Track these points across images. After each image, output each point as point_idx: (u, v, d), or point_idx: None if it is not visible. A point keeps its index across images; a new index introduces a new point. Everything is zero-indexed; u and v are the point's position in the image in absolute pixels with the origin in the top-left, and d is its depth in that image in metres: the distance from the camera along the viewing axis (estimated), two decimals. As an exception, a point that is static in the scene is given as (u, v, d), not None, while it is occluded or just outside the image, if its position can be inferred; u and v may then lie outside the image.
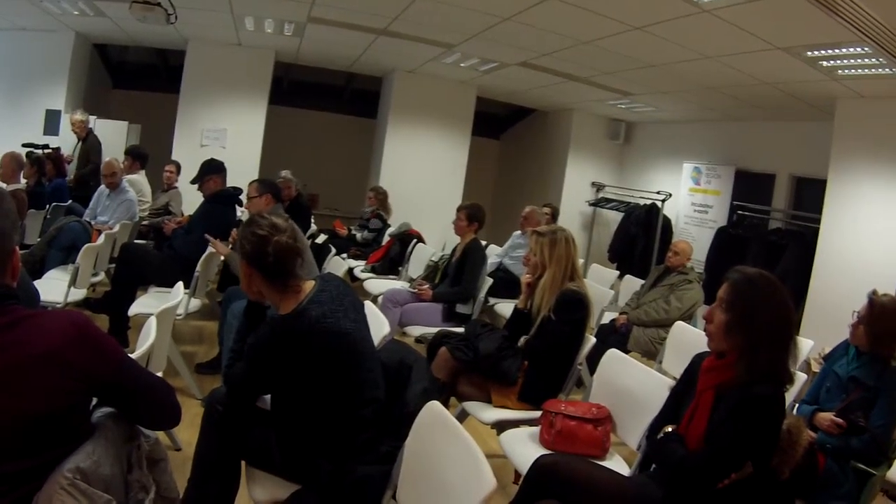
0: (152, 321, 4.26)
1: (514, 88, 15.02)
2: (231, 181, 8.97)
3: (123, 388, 2.66)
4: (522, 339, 5.80)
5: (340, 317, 3.69)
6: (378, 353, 4.05)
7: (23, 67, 13.93)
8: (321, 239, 10.36)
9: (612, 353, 5.19)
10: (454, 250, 8.93)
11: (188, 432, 4.98)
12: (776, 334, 3.47)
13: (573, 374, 5.59)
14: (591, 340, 5.60)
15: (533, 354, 5.57)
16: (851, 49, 7.65)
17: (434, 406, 3.34)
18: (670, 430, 3.74)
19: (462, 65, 12.94)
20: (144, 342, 4.08)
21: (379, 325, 4.76)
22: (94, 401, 2.80)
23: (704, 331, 3.74)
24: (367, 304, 4.74)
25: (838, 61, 8.19)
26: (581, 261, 8.25)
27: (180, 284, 5.72)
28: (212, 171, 8.69)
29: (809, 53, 8.08)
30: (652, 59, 9.85)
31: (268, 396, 3.96)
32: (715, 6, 7.05)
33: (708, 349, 3.75)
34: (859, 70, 8.33)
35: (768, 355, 3.43)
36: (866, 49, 7.52)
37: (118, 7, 10.73)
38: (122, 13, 10.70)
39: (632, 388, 4.78)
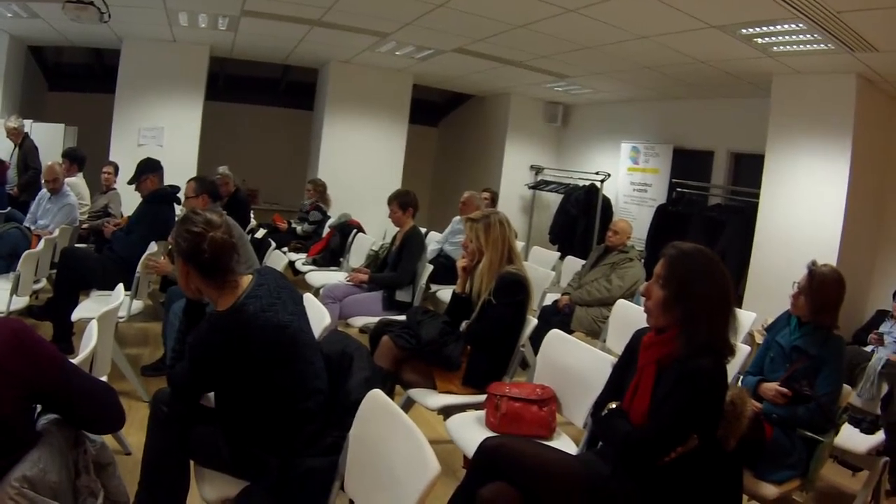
0: (93, 325, 4.20)
1: (450, 74, 15.02)
2: (169, 179, 8.94)
3: (65, 394, 2.64)
4: (464, 324, 5.82)
5: (279, 310, 3.70)
6: (319, 345, 4.05)
7: (-44, 72, 13.71)
8: (260, 233, 10.31)
9: (555, 334, 5.21)
10: (394, 238, 8.91)
11: (137, 436, 4.95)
12: (714, 307, 3.49)
13: (516, 356, 5.61)
14: (533, 322, 5.63)
15: (475, 338, 5.59)
16: (786, 26, 7.69)
17: (376, 394, 3.34)
18: (614, 406, 3.75)
19: (397, 53, 12.91)
20: (86, 346, 4.02)
21: (320, 317, 4.75)
22: (39, 408, 2.78)
23: (643, 307, 3.75)
24: (308, 296, 4.73)
25: (773, 38, 8.24)
26: (522, 244, 8.28)
27: (121, 287, 5.65)
28: (148, 170, 8.64)
29: (744, 31, 8.11)
30: (587, 40, 9.86)
31: (212, 394, 3.92)
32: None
33: (647, 323, 3.76)
34: (794, 46, 8.38)
35: (707, 328, 3.45)
36: (801, 25, 7.56)
37: (52, 8, 10.62)
38: (55, 14, 10.61)
39: (575, 367, 4.82)
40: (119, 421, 2.95)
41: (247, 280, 3.79)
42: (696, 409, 3.41)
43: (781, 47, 8.53)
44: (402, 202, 8.57)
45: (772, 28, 7.88)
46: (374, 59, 13.97)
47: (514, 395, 4.72)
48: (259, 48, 14.39)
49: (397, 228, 8.78)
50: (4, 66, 13.79)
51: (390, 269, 8.44)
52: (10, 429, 2.47)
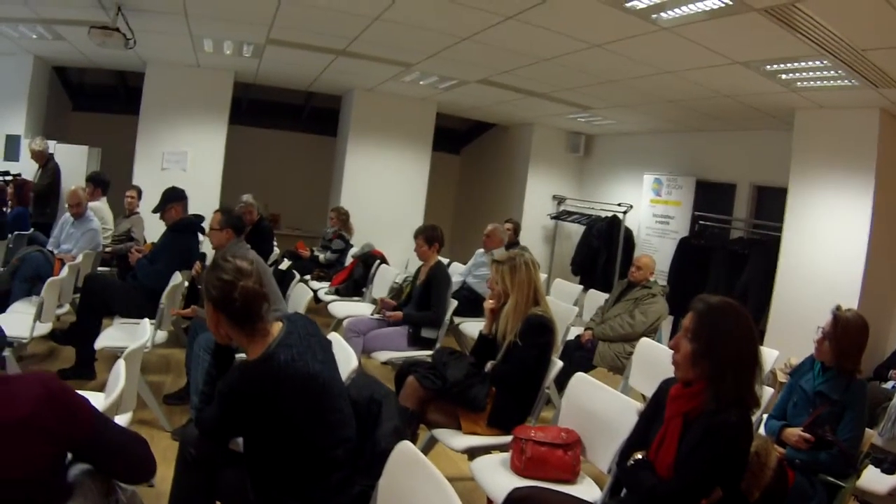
0: (121, 365, 4.18)
1: (474, 104, 15.01)
2: (193, 203, 8.99)
3: (98, 447, 2.64)
4: (489, 365, 5.81)
5: (309, 358, 3.69)
6: (347, 390, 4.04)
7: (-18, 91, 13.77)
8: (285, 265, 10.31)
9: (580, 377, 5.21)
10: (417, 272, 8.90)
11: (161, 467, 4.96)
12: (742, 362, 3.51)
13: (541, 397, 5.61)
14: (558, 364, 5.62)
15: (500, 380, 5.59)
16: (810, 63, 7.68)
17: (406, 446, 3.33)
18: (640, 456, 3.76)
19: (421, 83, 12.91)
20: (114, 386, 3.99)
21: (346, 359, 4.74)
22: (69, 456, 2.77)
23: (672, 360, 3.75)
24: (333, 335, 4.74)
25: (797, 74, 8.21)
26: (544, 276, 8.26)
27: (147, 322, 5.63)
28: (173, 199, 8.66)
29: (768, 67, 8.10)
30: (612, 74, 9.86)
31: (240, 438, 3.93)
32: (674, 24, 7.06)
33: (674, 375, 3.77)
34: (818, 82, 8.36)
35: (735, 383, 3.46)
36: (825, 62, 7.55)
37: (77, 31, 10.68)
38: (80, 37, 10.64)
39: (600, 412, 4.82)
40: (151, 471, 2.96)
41: (277, 327, 3.78)
42: (722, 464, 3.42)
43: (805, 83, 8.51)
44: (427, 237, 8.56)
45: (796, 65, 7.86)
46: (398, 88, 13.96)
47: (539, 439, 4.72)
48: (283, 75, 14.41)
49: (420, 260, 8.77)
50: (29, 87, 13.89)
51: (415, 305, 8.41)
52: (44, 484, 2.48)
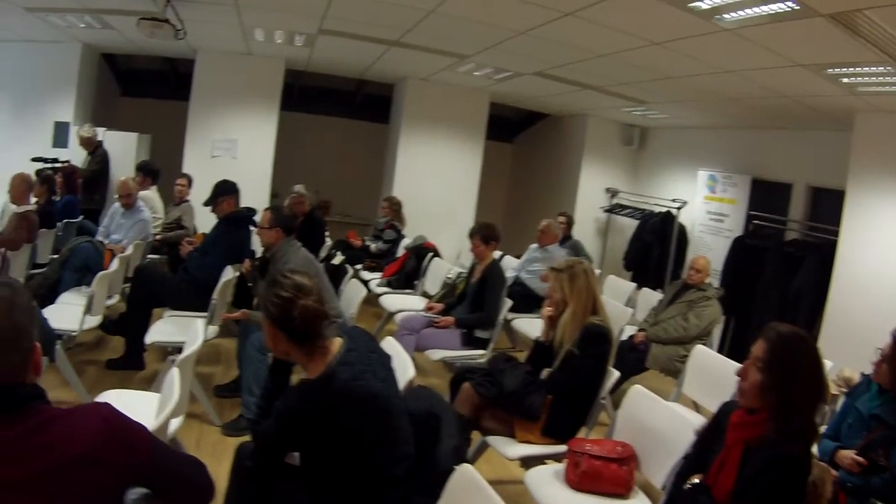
0: (175, 374, 4.13)
1: (528, 95, 14.98)
2: (243, 190, 8.98)
3: (158, 476, 2.59)
4: (545, 372, 5.78)
5: (369, 376, 3.66)
6: (406, 404, 3.99)
7: (30, 79, 13.93)
8: (338, 259, 10.28)
9: (637, 390, 5.18)
10: (471, 270, 8.87)
11: (210, 463, 4.90)
12: (809, 396, 3.45)
13: (596, 407, 5.61)
14: (615, 374, 5.62)
15: (557, 390, 5.56)
16: (873, 68, 7.58)
17: (466, 469, 3.31)
18: (698, 481, 3.71)
19: (475, 73, 12.87)
20: (169, 393, 3.96)
21: (403, 368, 4.71)
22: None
23: (737, 387, 3.69)
24: (388, 341, 4.69)
25: (859, 78, 8.11)
26: (598, 271, 8.20)
27: (200, 324, 5.56)
28: (225, 192, 8.66)
29: (829, 71, 8.01)
30: (670, 71, 9.78)
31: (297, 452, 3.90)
32: (737, 25, 6.99)
33: (739, 401, 3.70)
34: (880, 87, 8.25)
35: (800, 416, 3.41)
36: (888, 68, 7.45)
37: (125, 20, 10.73)
38: (129, 25, 10.68)
39: (656, 426, 4.81)
40: (209, 496, 2.92)
41: (337, 344, 3.75)
42: (782, 496, 3.37)
43: (867, 87, 8.40)
44: (484, 235, 8.50)
45: (858, 69, 7.77)
46: (452, 78, 13.93)
47: (594, 452, 4.69)
48: (335, 63, 14.45)
49: (476, 259, 8.72)
50: (77, 74, 13.95)
51: (469, 303, 8.40)
52: None
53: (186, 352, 4.92)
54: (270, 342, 3.82)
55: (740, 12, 6.58)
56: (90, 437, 2.34)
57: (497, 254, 9.36)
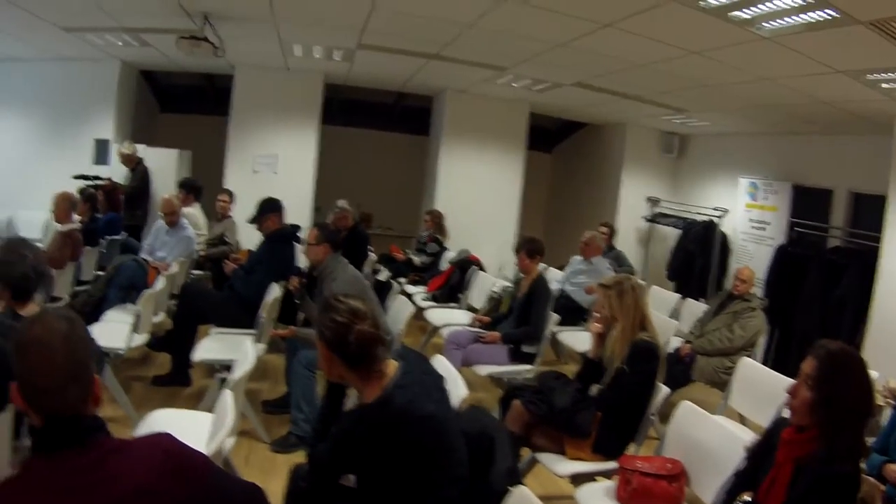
0: (228, 397, 4.16)
1: (567, 105, 14.98)
2: (285, 206, 9.05)
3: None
4: (594, 389, 5.80)
5: (425, 400, 3.66)
6: (460, 424, 3.98)
7: (70, 97, 14.06)
8: (384, 275, 10.28)
9: (687, 406, 5.18)
10: (518, 284, 8.87)
11: (258, 479, 4.91)
12: (858, 413, 3.46)
13: (645, 423, 5.60)
14: (664, 390, 5.60)
15: (607, 407, 5.57)
16: (913, 73, 7.56)
17: (522, 491, 3.34)
18: (748, 499, 3.73)
19: (515, 84, 12.86)
20: (223, 422, 3.98)
21: (454, 387, 4.74)
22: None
23: (788, 405, 3.69)
24: (438, 358, 4.70)
25: (899, 83, 8.08)
26: (642, 283, 8.20)
27: (249, 344, 5.60)
28: (269, 209, 8.74)
29: (869, 77, 7.98)
30: (709, 80, 9.77)
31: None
32: (776, 34, 6.98)
33: (790, 419, 3.70)
34: (921, 93, 8.23)
35: (849, 433, 3.42)
36: (929, 74, 7.44)
37: (163, 38, 10.81)
38: (167, 43, 10.75)
39: (706, 443, 4.82)
40: None
41: (392, 367, 3.76)
42: (832, 514, 3.35)
43: (907, 92, 8.37)
44: (529, 250, 8.52)
45: (898, 75, 7.75)
46: (491, 90, 13.92)
47: (645, 469, 4.74)
48: (374, 77, 14.47)
49: (522, 273, 8.73)
50: (116, 92, 14.12)
51: (516, 318, 8.39)
52: None
53: (238, 373, 4.98)
54: (325, 366, 3.84)
55: (780, 21, 6.58)
56: (151, 469, 2.37)
57: (540, 266, 9.34)
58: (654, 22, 7.33)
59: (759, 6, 6.25)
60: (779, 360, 11.01)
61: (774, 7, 6.20)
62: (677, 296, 11.03)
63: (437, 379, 3.93)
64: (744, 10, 6.42)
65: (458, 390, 4.77)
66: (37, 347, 2.35)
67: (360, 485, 3.78)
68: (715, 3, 6.33)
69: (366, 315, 3.74)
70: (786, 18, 6.47)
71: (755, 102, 10.73)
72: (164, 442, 2.50)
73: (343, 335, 3.63)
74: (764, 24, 6.74)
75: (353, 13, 8.84)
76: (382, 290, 9.10)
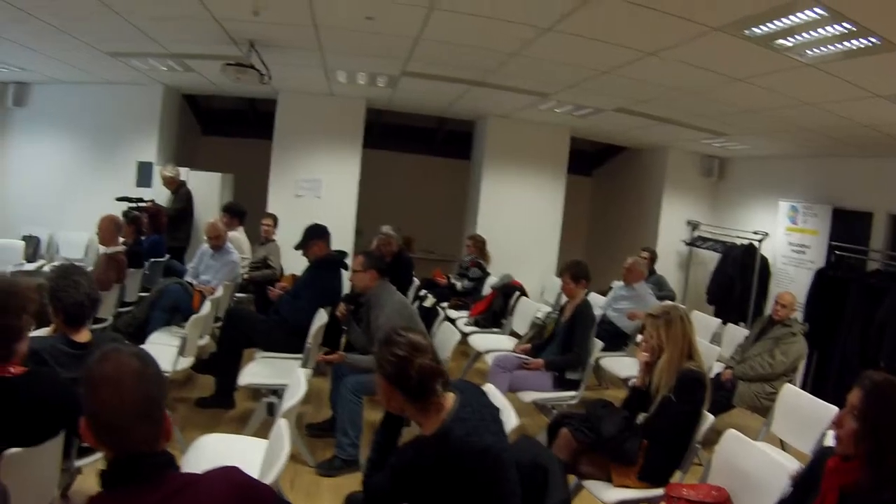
0: (283, 426, 4.20)
1: (608, 130, 15.00)
2: (329, 229, 9.11)
3: None
4: (641, 417, 5.83)
5: (483, 432, 3.69)
6: (514, 455, 3.98)
7: (113, 120, 14.31)
8: (430, 302, 10.33)
9: (732, 434, 5.19)
10: (562, 309, 8.85)
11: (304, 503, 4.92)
12: None
13: (691, 451, 5.61)
14: (710, 418, 5.60)
15: (654, 436, 5.59)
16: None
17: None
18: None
19: (557, 110, 12.89)
20: (279, 452, 3.99)
21: (505, 416, 4.71)
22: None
23: (834, 435, 3.71)
24: (489, 390, 4.74)
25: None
26: (682, 307, 8.22)
27: (301, 373, 5.56)
28: (315, 235, 8.83)
29: (911, 100, 8.00)
30: (751, 105, 9.78)
31: None
32: (819, 61, 7.01)
33: (836, 449, 3.73)
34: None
35: (895, 462, 3.41)
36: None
37: (208, 63, 10.94)
38: (210, 69, 10.95)
39: (751, 471, 4.81)
40: None
41: (450, 399, 3.79)
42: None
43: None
44: (574, 274, 8.53)
45: (940, 99, 7.76)
46: (534, 115, 13.94)
47: (691, 497, 4.75)
48: (416, 102, 14.60)
49: (566, 297, 8.74)
50: (160, 115, 14.31)
51: (559, 344, 8.35)
52: None
53: (291, 401, 5.01)
54: (384, 399, 3.88)
55: (822, 48, 6.61)
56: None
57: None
58: (698, 51, 7.38)
59: (803, 35, 6.28)
60: (818, 383, 10.96)
61: (818, 35, 6.23)
62: (718, 321, 11.02)
63: (494, 411, 3.95)
64: (787, 38, 6.46)
65: (509, 420, 4.77)
66: (108, 385, 2.36)
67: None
68: (760, 32, 6.37)
69: (426, 349, 3.79)
70: (828, 46, 6.51)
71: (795, 126, 10.72)
72: (235, 477, 2.53)
73: (404, 369, 3.68)
74: (807, 51, 6.77)
75: (398, 43, 8.95)
76: (428, 316, 9.10)
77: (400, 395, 3.75)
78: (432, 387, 3.72)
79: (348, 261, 8.58)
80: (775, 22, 6.12)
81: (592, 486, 5.52)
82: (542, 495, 3.92)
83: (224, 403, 8.39)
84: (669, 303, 7.34)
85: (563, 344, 8.30)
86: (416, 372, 3.67)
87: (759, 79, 8.23)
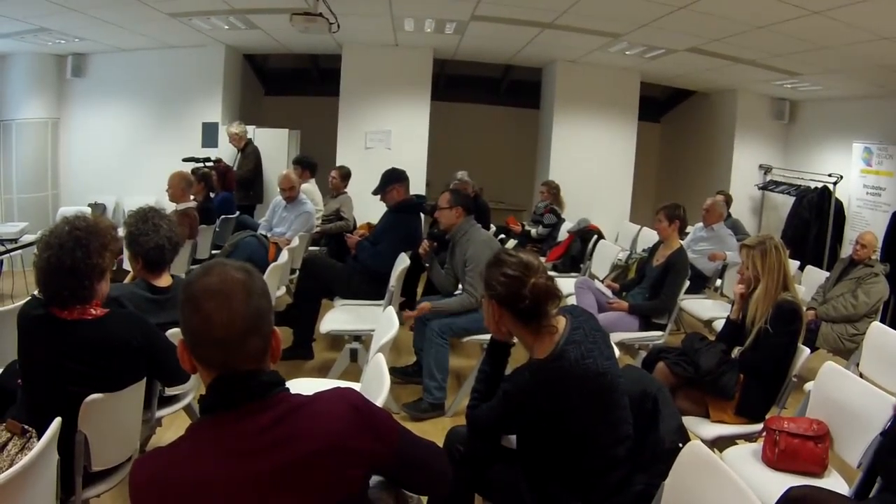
0: (380, 360, 4.14)
1: (678, 72, 14.82)
2: (407, 173, 9.12)
3: (403, 464, 2.55)
4: (736, 351, 5.82)
5: (597, 355, 3.63)
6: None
7: (177, 83, 14.44)
8: (509, 244, 10.25)
9: (830, 367, 5.13)
10: (653, 251, 8.78)
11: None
12: None
13: (788, 385, 5.56)
14: (805, 351, 5.54)
15: (751, 368, 5.56)
16: None
17: (697, 447, 3.25)
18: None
19: (627, 53, 12.78)
20: (381, 386, 3.88)
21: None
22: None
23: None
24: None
25: None
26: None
27: (393, 312, 5.58)
28: (394, 180, 8.80)
29: None
30: (826, 41, 9.66)
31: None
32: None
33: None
34: None
35: None
36: None
37: (270, 19, 10.95)
38: (274, 24, 10.91)
39: (851, 404, 4.74)
40: (447, 485, 2.85)
41: (562, 323, 3.74)
42: None
43: None
44: (669, 213, 8.44)
45: None
46: (602, 59, 13.84)
47: (791, 430, 4.71)
48: (484, 50, 14.47)
49: (660, 237, 8.69)
50: (223, 75, 14.41)
51: (649, 287, 8.28)
52: None
53: (385, 337, 4.97)
54: (493, 324, 3.81)
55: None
56: (340, 426, 2.30)
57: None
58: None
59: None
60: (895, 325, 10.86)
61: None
62: (796, 263, 10.84)
63: (605, 336, 3.88)
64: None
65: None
66: (213, 297, 2.24)
67: (521, 446, 3.77)
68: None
69: (539, 268, 3.73)
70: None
71: (872, 63, 10.58)
72: (353, 398, 2.42)
73: (517, 289, 3.62)
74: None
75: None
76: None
77: (511, 317, 3.69)
78: (546, 308, 3.65)
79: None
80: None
81: (689, 421, 5.39)
82: (652, 423, 3.87)
83: (303, 354, 8.45)
84: (764, 234, 7.23)
85: (652, 287, 8.22)
86: (530, 291, 3.60)
87: (836, 12, 8.10)
